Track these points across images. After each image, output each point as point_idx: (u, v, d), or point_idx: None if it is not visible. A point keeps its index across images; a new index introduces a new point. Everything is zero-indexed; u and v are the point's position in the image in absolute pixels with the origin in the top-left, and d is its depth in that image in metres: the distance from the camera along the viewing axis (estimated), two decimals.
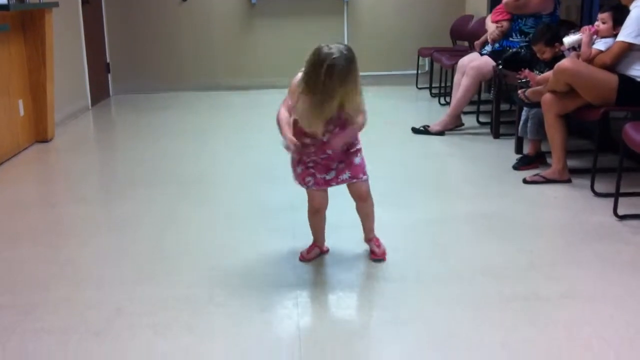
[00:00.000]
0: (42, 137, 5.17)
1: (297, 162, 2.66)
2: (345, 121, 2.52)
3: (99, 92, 7.12)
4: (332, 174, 2.63)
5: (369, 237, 2.83)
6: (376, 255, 2.80)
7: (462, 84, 5.16)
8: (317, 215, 2.77)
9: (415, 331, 2.22)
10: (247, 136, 5.33)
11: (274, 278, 2.66)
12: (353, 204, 2.75)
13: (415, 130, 5.19)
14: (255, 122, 5.84)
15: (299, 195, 3.71)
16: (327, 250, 2.89)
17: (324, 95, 2.37)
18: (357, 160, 2.64)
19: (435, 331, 2.22)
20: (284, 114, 2.54)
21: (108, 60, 7.51)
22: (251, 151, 4.83)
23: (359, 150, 2.67)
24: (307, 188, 2.68)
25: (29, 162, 4.68)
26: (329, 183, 2.65)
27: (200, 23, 7.58)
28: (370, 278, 2.64)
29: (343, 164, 2.63)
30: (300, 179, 2.67)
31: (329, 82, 2.34)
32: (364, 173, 2.66)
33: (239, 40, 7.65)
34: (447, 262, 2.78)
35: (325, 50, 2.37)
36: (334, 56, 2.34)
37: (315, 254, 2.83)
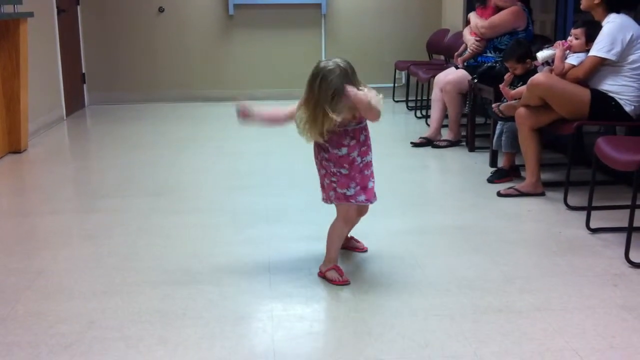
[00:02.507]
0: (15, 147, 5.11)
1: (324, 177, 2.68)
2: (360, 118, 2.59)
3: (74, 103, 7.06)
4: (352, 191, 2.64)
5: (349, 235, 2.99)
6: (364, 247, 3.03)
7: (446, 101, 5.22)
8: (347, 229, 2.79)
9: (389, 342, 2.22)
10: (222, 147, 5.31)
11: (249, 290, 2.65)
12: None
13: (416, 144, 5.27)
14: (230, 133, 5.82)
15: (275, 205, 3.72)
16: None
17: (317, 108, 2.43)
18: (370, 184, 2.67)
19: (409, 342, 2.22)
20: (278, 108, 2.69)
21: (84, 71, 7.46)
22: (226, 162, 4.81)
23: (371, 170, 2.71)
24: (330, 203, 2.69)
25: (2, 173, 4.61)
26: (348, 199, 2.65)
27: (177, 34, 7.56)
28: (345, 290, 2.64)
29: (358, 187, 2.64)
30: (326, 195, 2.69)
31: (322, 95, 2.41)
32: (375, 197, 2.72)
33: (216, 51, 7.65)
34: (422, 273, 2.79)
35: (322, 64, 2.46)
36: (329, 68, 2.42)
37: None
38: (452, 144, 5.24)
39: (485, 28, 5.03)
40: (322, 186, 2.72)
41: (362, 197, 2.65)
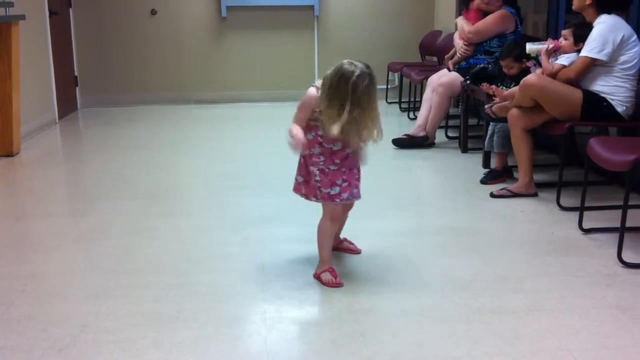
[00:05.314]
0: (7, 150, 5.09)
1: (312, 175, 2.68)
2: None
3: (67, 106, 7.04)
4: (336, 189, 2.64)
5: (341, 236, 3.02)
6: (357, 248, 3.02)
7: (433, 101, 5.23)
8: (335, 226, 2.77)
9: (383, 343, 2.22)
10: (215, 148, 5.31)
11: (243, 292, 2.64)
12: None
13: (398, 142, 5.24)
14: (223, 135, 5.82)
15: (269, 207, 3.72)
16: None
17: (355, 109, 2.46)
18: (344, 184, 2.67)
19: (402, 343, 2.22)
20: (299, 128, 2.59)
21: (76, 73, 7.44)
22: (219, 163, 4.80)
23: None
24: (316, 201, 2.70)
25: None
26: (332, 198, 2.65)
27: (170, 36, 7.55)
28: (339, 291, 2.64)
29: (347, 182, 2.65)
30: (312, 194, 2.70)
31: (355, 97, 2.45)
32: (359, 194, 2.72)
33: (208, 53, 7.64)
34: (415, 274, 2.79)
35: (349, 67, 2.51)
36: (357, 73, 2.48)
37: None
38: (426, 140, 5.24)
39: (471, 33, 5.06)
40: (306, 182, 2.70)
41: (345, 195, 2.66)
